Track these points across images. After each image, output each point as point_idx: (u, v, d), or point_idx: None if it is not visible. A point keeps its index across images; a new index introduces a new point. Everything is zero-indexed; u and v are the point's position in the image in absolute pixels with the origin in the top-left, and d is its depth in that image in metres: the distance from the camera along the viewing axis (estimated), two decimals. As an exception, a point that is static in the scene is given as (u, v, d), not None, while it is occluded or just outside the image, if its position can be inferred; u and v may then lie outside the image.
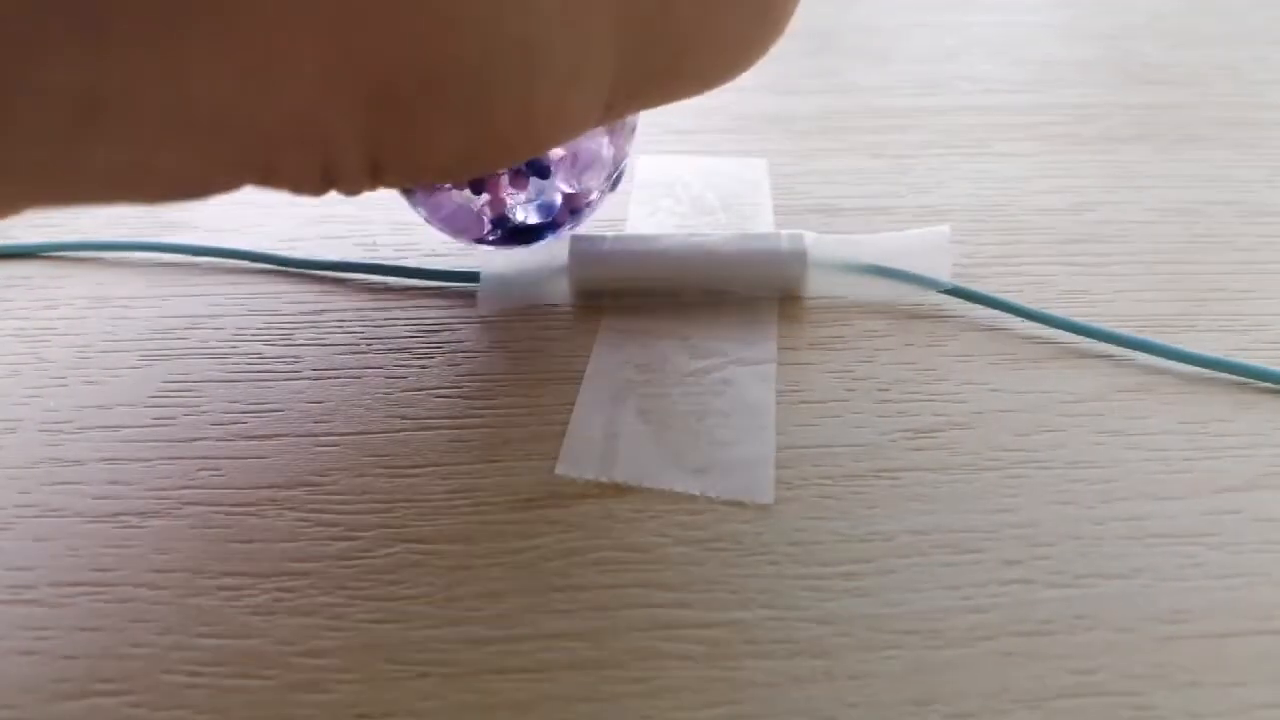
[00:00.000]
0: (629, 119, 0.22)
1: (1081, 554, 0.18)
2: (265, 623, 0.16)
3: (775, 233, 0.23)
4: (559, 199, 0.22)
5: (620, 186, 0.23)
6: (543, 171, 0.21)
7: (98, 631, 0.16)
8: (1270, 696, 0.15)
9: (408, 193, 0.22)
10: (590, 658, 0.16)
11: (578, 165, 0.22)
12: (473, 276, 0.23)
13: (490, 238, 0.23)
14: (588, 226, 0.24)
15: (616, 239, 0.23)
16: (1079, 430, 0.20)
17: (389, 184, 0.16)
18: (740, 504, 0.18)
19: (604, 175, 0.22)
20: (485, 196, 0.22)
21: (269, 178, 0.15)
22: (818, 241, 0.23)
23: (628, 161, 0.23)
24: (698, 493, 0.19)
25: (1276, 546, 0.18)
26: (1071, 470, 0.19)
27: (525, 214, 0.22)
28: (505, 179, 0.22)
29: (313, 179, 0.15)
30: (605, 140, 0.22)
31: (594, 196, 0.23)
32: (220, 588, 0.17)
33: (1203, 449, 0.20)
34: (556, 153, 0.21)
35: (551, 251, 0.23)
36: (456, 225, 0.22)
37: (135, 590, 0.17)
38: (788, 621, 0.17)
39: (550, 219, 0.23)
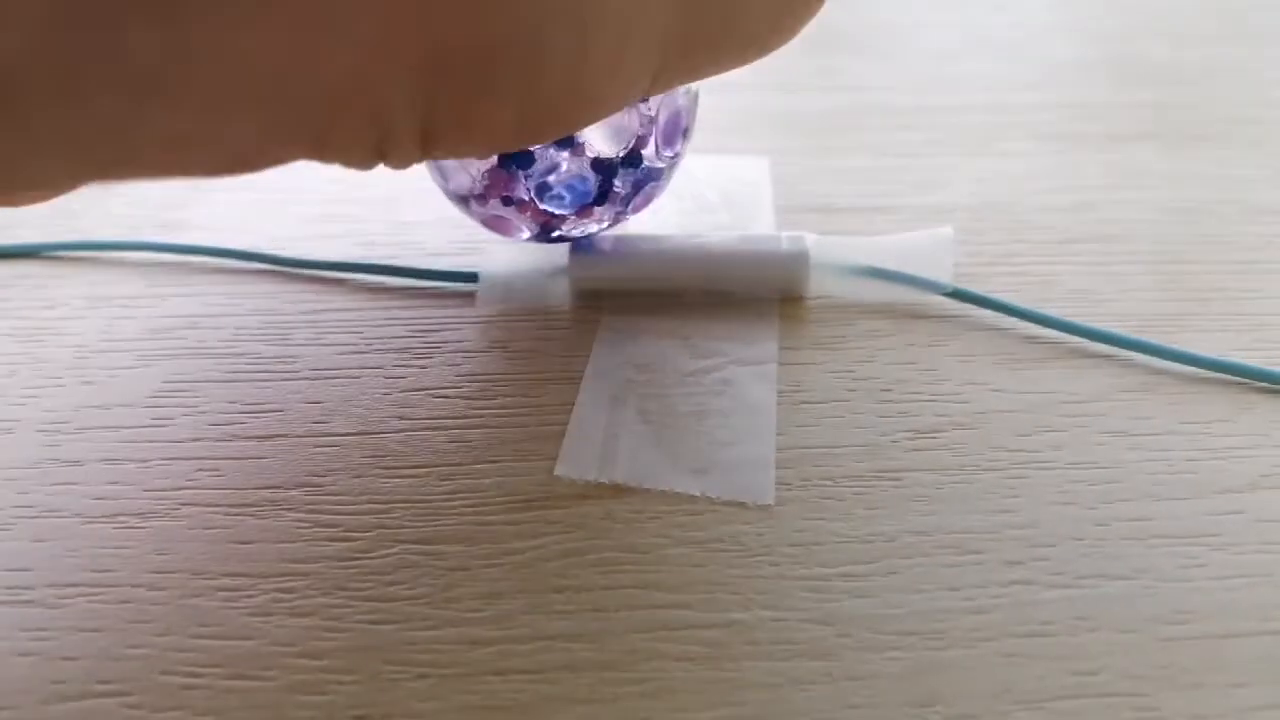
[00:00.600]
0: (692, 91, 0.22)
1: (1083, 554, 0.18)
2: (264, 624, 0.16)
3: (777, 235, 0.23)
4: (606, 224, 0.22)
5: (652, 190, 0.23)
6: (636, 159, 0.21)
7: (96, 632, 0.16)
8: (1273, 697, 0.15)
9: (461, 201, 0.22)
10: (590, 659, 0.16)
11: (668, 133, 0.21)
12: (472, 277, 0.23)
13: (529, 239, 0.23)
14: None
15: (617, 239, 0.23)
16: (1081, 431, 0.20)
17: (439, 155, 0.16)
18: (741, 505, 0.18)
19: (682, 143, 0.22)
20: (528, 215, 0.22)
21: (322, 148, 0.15)
22: (819, 243, 0.23)
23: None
24: (698, 493, 0.19)
25: (1278, 547, 0.18)
26: (1073, 471, 0.19)
27: (572, 232, 0.22)
28: (573, 216, 0.21)
29: (365, 149, 0.15)
30: (683, 111, 0.21)
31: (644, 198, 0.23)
32: (219, 589, 0.17)
33: (1205, 449, 0.19)
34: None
35: (551, 252, 0.23)
36: (497, 229, 0.22)
37: (134, 591, 0.17)
38: (788, 622, 0.16)
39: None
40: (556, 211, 0.21)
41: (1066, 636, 0.16)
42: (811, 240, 0.23)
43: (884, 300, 0.23)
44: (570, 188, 0.21)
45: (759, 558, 0.17)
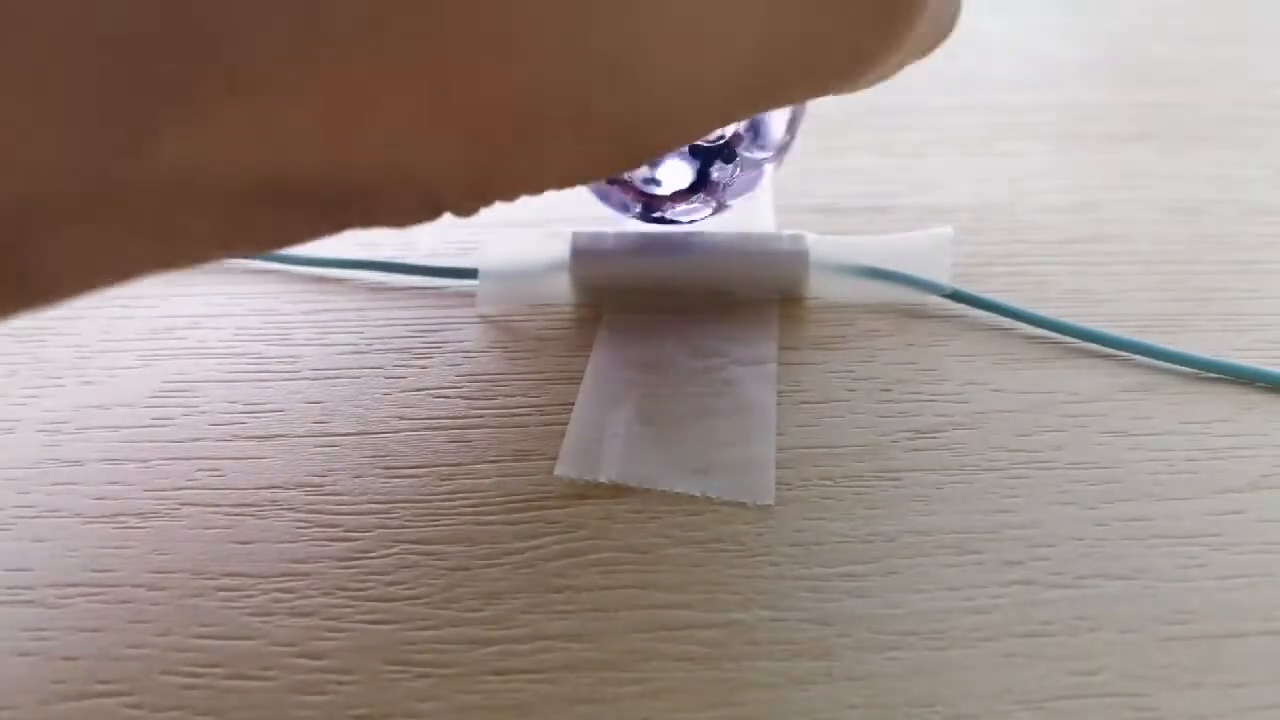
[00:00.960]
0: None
1: (1083, 554, 0.18)
2: (264, 624, 0.16)
3: (777, 234, 0.23)
4: (710, 211, 0.23)
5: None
6: (729, 156, 0.21)
7: (96, 632, 0.16)
8: (1273, 697, 0.15)
9: None
10: (590, 659, 0.16)
11: (759, 127, 0.21)
12: (472, 273, 0.23)
13: (630, 212, 0.23)
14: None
15: (618, 237, 0.23)
16: (1081, 431, 0.20)
17: (500, 200, 0.15)
18: (741, 505, 0.18)
19: (750, 191, 0.22)
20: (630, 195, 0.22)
21: (369, 220, 0.14)
22: (819, 243, 0.23)
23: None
24: (698, 493, 0.19)
25: (1278, 547, 0.18)
26: (1073, 471, 0.19)
27: (676, 216, 0.23)
28: (669, 199, 0.22)
29: (415, 212, 0.15)
30: (784, 122, 0.22)
31: (736, 200, 0.23)
32: (219, 589, 0.17)
33: (1205, 449, 0.19)
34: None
35: (552, 249, 0.23)
36: (605, 201, 0.23)
37: (134, 591, 0.17)
38: (788, 623, 0.16)
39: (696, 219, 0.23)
40: (654, 193, 0.22)
41: (1066, 636, 0.16)
42: (811, 240, 0.23)
43: (884, 300, 0.23)
44: (667, 173, 0.21)
45: (759, 558, 0.18)
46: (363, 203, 0.14)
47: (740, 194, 0.23)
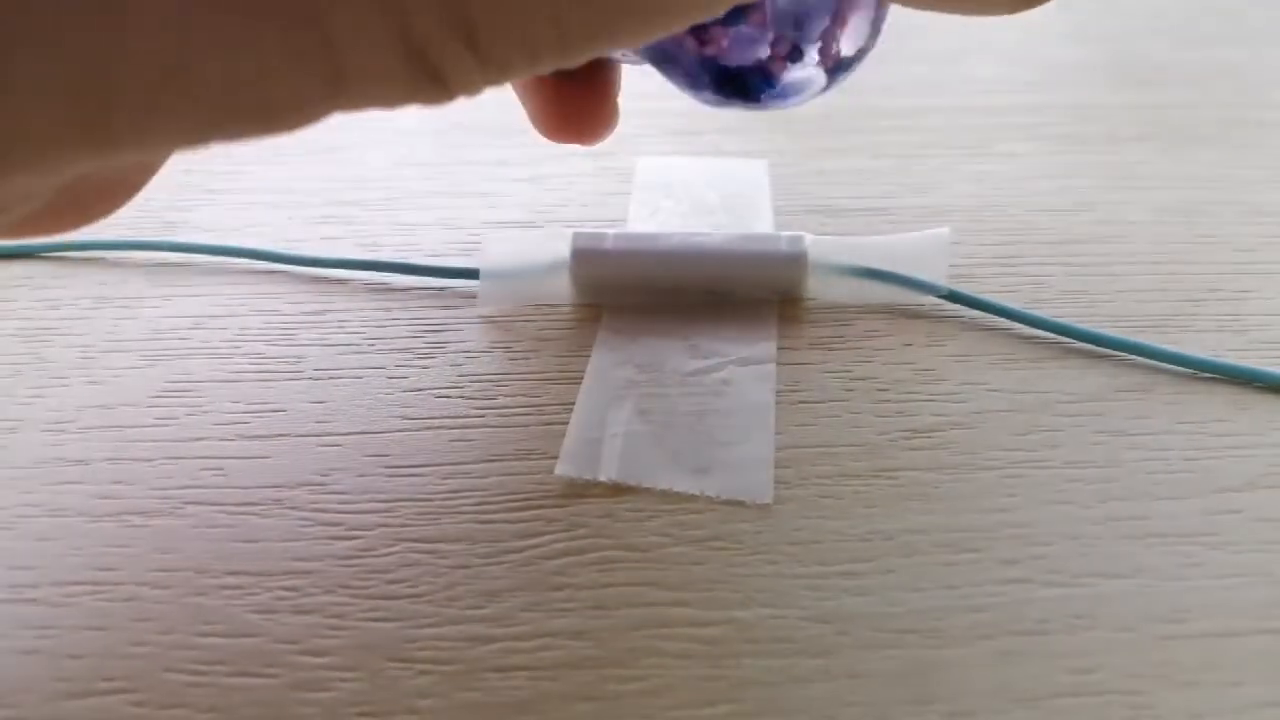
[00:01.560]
0: None
1: (1080, 553, 0.18)
2: (267, 622, 0.17)
3: (775, 234, 0.24)
4: (765, 50, 0.19)
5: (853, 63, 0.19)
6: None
7: (100, 631, 0.16)
8: (1269, 695, 0.15)
9: None
10: (590, 656, 0.16)
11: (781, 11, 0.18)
12: (473, 273, 0.23)
13: (702, 84, 0.19)
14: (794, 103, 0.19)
15: (618, 237, 0.23)
16: (1077, 430, 0.20)
17: (500, 62, 0.13)
18: (740, 504, 0.19)
19: (818, 30, 0.19)
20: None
21: (352, 94, 0.12)
22: (817, 244, 0.23)
23: (874, 24, 0.19)
24: (697, 492, 0.19)
25: (1275, 546, 0.18)
26: (1070, 470, 0.19)
27: (738, 60, 0.19)
28: (720, 37, 0.18)
29: (400, 70, 0.12)
30: None
31: (813, 50, 0.19)
32: (223, 587, 0.17)
33: (1202, 449, 0.20)
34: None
35: (552, 249, 0.23)
36: (667, 54, 0.19)
37: (138, 589, 0.17)
38: (787, 620, 0.17)
39: (756, 63, 0.19)
40: (704, 28, 0.18)
41: (1063, 635, 0.16)
42: (810, 241, 0.23)
43: (881, 301, 0.23)
44: None
45: (758, 556, 0.18)
46: (330, 58, 0.12)
47: (809, 32, 0.18)
